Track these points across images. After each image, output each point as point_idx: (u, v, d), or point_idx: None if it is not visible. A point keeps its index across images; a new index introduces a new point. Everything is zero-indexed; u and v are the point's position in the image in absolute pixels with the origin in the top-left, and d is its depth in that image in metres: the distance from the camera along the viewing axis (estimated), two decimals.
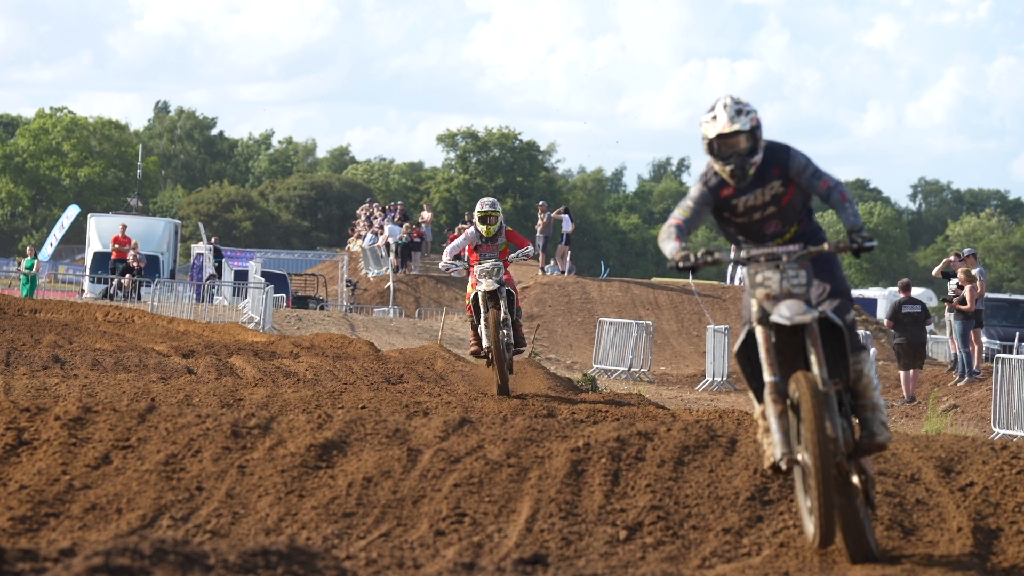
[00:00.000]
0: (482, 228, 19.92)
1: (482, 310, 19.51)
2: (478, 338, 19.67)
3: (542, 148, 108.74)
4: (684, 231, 9.40)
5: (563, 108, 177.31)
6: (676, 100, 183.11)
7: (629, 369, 34.54)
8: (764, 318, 9.09)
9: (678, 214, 9.49)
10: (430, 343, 31.46)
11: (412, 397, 17.46)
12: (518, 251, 20.09)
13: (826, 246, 9.23)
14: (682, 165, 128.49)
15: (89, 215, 61.52)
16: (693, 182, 9.58)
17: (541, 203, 50.72)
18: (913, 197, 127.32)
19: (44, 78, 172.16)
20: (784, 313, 8.99)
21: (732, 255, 9.41)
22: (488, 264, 19.66)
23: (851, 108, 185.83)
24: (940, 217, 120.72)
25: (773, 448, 9.06)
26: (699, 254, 9.22)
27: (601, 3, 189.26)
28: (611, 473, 10.38)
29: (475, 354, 19.87)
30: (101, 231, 56.13)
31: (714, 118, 9.43)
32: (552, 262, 49.38)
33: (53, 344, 24.66)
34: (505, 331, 19.46)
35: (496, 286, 19.49)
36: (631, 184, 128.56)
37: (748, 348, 9.20)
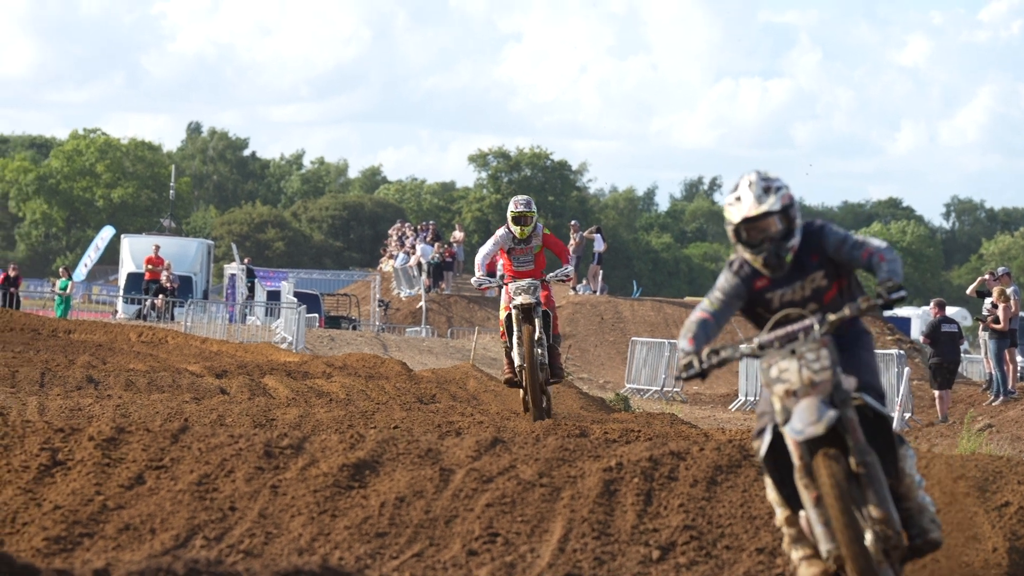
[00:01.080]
0: (515, 230, 18.50)
1: (515, 328, 18.09)
2: (512, 363, 18.26)
3: (574, 167, 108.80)
4: (709, 328, 8.33)
5: (595, 127, 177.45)
6: (708, 119, 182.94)
7: (662, 389, 34.49)
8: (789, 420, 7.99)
9: (706, 306, 8.43)
10: (462, 363, 31.47)
11: (444, 417, 17.46)
12: (556, 272, 18.63)
13: (847, 310, 8.10)
14: (714, 184, 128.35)
15: (122, 236, 61.75)
16: (722, 272, 8.53)
17: (573, 223, 50.74)
18: (947, 216, 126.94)
19: (77, 99, 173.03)
20: (796, 426, 7.89)
21: (739, 350, 8.22)
22: (524, 282, 18.10)
23: (884, 127, 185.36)
24: (974, 236, 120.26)
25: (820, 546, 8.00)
26: (704, 356, 8.16)
27: (632, 23, 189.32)
28: (644, 493, 10.36)
29: (508, 382, 18.50)
30: (134, 252, 56.32)
31: (738, 199, 8.34)
32: (584, 282, 49.37)
33: (87, 364, 24.74)
34: (540, 350, 18.00)
35: (532, 301, 18.00)
36: (663, 203, 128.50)
37: (776, 452, 8.11)
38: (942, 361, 28.46)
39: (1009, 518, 10.12)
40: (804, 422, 7.85)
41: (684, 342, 8.26)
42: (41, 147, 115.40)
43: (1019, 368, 32.08)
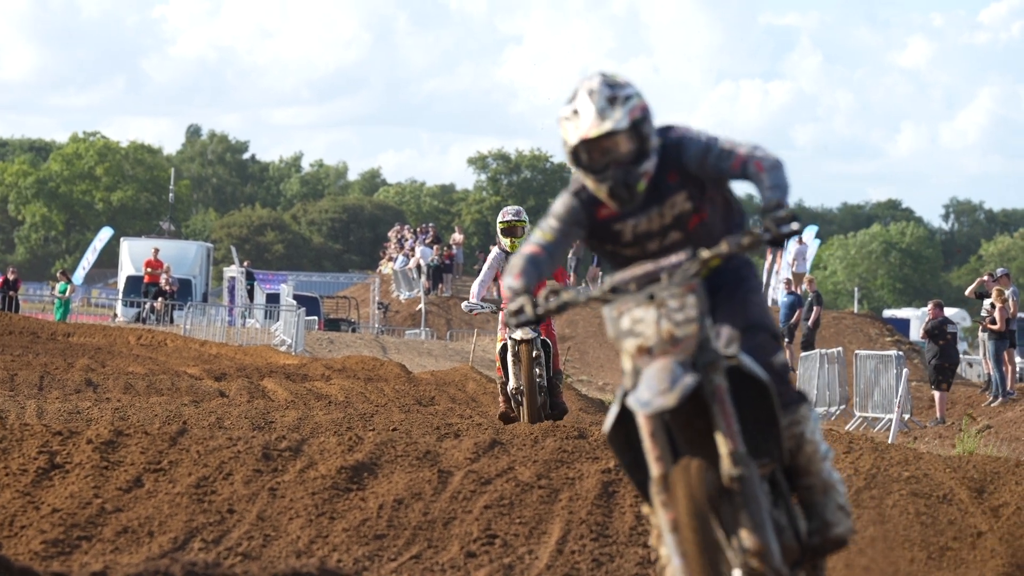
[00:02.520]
0: (506, 243, 16.61)
1: (510, 362, 16.16)
2: (508, 399, 16.42)
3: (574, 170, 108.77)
4: (541, 265, 6.71)
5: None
6: (709, 121, 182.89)
7: None
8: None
9: (537, 237, 6.79)
10: (461, 365, 31.47)
11: (443, 419, 17.46)
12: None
13: (724, 246, 6.36)
14: None
15: (121, 239, 61.79)
16: (560, 194, 6.90)
17: None
18: (946, 217, 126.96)
19: (78, 103, 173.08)
20: (642, 397, 6.20)
21: (584, 293, 6.54)
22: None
23: (884, 129, 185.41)
24: (973, 237, 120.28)
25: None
26: (541, 299, 6.50)
27: (633, 25, 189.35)
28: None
29: (504, 416, 16.51)
30: (134, 255, 56.36)
31: (575, 113, 6.63)
32: (583, 284, 49.38)
33: (86, 368, 24.74)
34: (539, 371, 16.12)
35: (532, 335, 16.03)
36: None
37: (624, 425, 6.43)
38: (943, 362, 28.50)
39: (1007, 519, 10.13)
40: (652, 390, 6.17)
41: (511, 279, 6.66)
42: (40, 150, 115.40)
43: (1018, 369, 32.11)
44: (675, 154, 6.68)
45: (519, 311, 6.53)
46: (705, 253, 6.36)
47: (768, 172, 6.54)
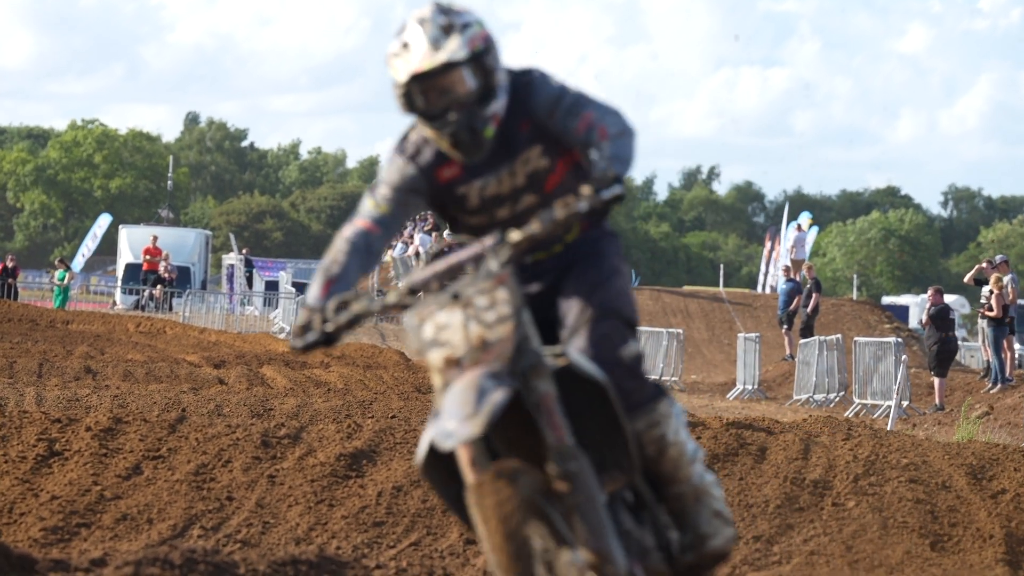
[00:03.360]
0: None
1: None
2: None
3: None
4: (374, 244, 5.67)
5: None
6: (707, 108, 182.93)
7: (660, 378, 34.49)
8: None
9: (368, 209, 5.71)
10: None
11: None
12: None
13: (535, 225, 5.20)
14: (712, 173, 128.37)
15: (120, 226, 61.79)
16: (389, 156, 5.76)
17: None
18: (944, 204, 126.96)
19: (77, 91, 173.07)
20: (445, 427, 5.10)
21: (377, 302, 5.44)
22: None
23: (883, 115, 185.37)
24: (972, 224, 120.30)
25: None
26: (331, 313, 5.38)
27: (632, 12, 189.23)
28: None
29: None
30: (132, 242, 56.37)
31: (405, 46, 5.58)
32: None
33: (85, 355, 24.74)
34: None
35: None
36: (662, 192, 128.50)
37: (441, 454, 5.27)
38: (944, 348, 28.52)
39: (1006, 505, 10.13)
40: (455, 416, 5.10)
41: (315, 288, 5.57)
42: (39, 138, 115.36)
43: (1017, 356, 32.14)
44: (524, 97, 5.65)
45: (306, 328, 5.40)
46: (515, 235, 5.22)
47: (612, 141, 5.49)
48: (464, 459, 5.18)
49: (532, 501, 5.10)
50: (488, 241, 5.25)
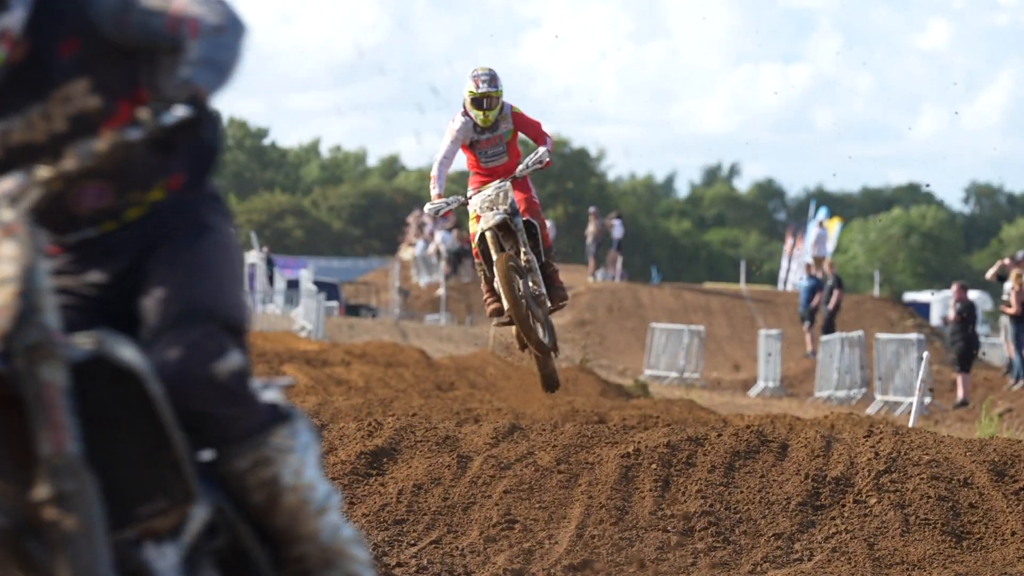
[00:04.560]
0: (477, 116, 13.66)
1: (492, 254, 13.52)
2: (494, 292, 13.76)
3: (592, 154, 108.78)
4: None
5: (614, 113, 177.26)
6: (727, 104, 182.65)
7: (681, 375, 34.46)
8: None
9: None
10: (481, 350, 31.48)
11: (463, 404, 17.47)
12: (527, 160, 13.89)
13: (71, 159, 3.87)
14: (733, 170, 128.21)
15: None
16: None
17: (592, 209, 50.69)
18: (966, 200, 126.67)
19: None
20: None
21: None
22: (489, 191, 13.51)
23: (904, 111, 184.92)
24: (994, 220, 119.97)
25: None
26: None
27: (651, 8, 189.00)
28: (661, 479, 10.36)
29: (496, 314, 13.86)
30: None
31: None
32: (603, 268, 49.34)
33: None
34: (531, 281, 13.62)
35: (504, 215, 13.45)
36: (682, 189, 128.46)
37: None
38: (967, 344, 28.48)
39: None
40: None
41: None
42: None
43: None
44: (72, 7, 4.09)
45: None
46: (43, 171, 3.87)
47: (204, 39, 4.08)
48: None
49: (8, 537, 3.82)
50: (6, 182, 3.84)
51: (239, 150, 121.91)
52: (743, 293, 47.26)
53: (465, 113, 13.70)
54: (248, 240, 73.07)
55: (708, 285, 55.45)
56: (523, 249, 13.49)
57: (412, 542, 9.63)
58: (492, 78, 13.65)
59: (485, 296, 13.97)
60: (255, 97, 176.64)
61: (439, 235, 54.30)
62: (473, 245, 13.82)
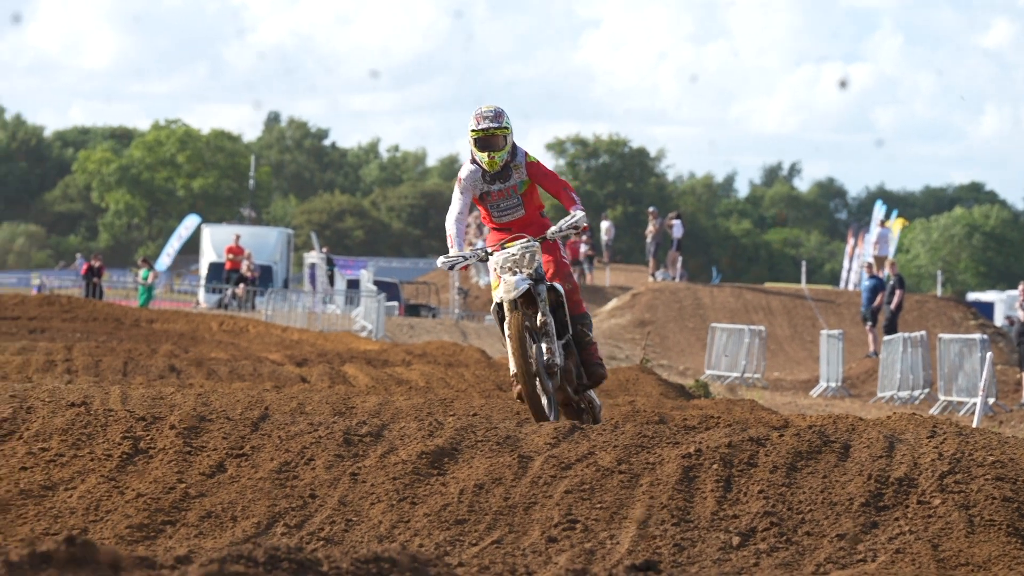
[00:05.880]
0: (482, 159, 12.13)
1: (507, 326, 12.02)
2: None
3: (652, 154, 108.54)
4: None
5: (673, 113, 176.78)
6: (788, 104, 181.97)
7: (742, 375, 34.34)
8: None
9: None
10: None
11: (523, 404, 17.44)
12: (562, 223, 12.11)
13: None
14: (794, 170, 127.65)
15: (203, 225, 62.26)
16: None
17: (651, 209, 50.58)
18: None
19: (160, 91, 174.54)
20: None
21: None
22: (515, 249, 11.94)
23: (967, 110, 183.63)
24: None
25: None
26: None
27: (712, 8, 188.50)
28: (723, 479, 10.32)
29: (522, 397, 12.39)
30: (215, 241, 56.78)
31: None
32: (663, 268, 49.24)
33: (169, 354, 24.94)
34: (547, 346, 12.01)
35: (528, 285, 11.85)
36: (742, 189, 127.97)
37: None
38: None
39: None
40: None
41: None
42: (122, 138, 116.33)
43: None
44: None
45: None
46: None
47: None
48: None
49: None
50: None
51: (299, 151, 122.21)
52: (804, 293, 47.04)
53: (473, 160, 12.28)
54: (309, 240, 73.23)
55: (769, 285, 55.23)
56: (541, 316, 11.96)
57: (473, 542, 9.63)
58: (496, 114, 12.05)
59: (512, 378, 12.30)
60: (316, 98, 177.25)
61: None
62: (492, 312, 12.32)
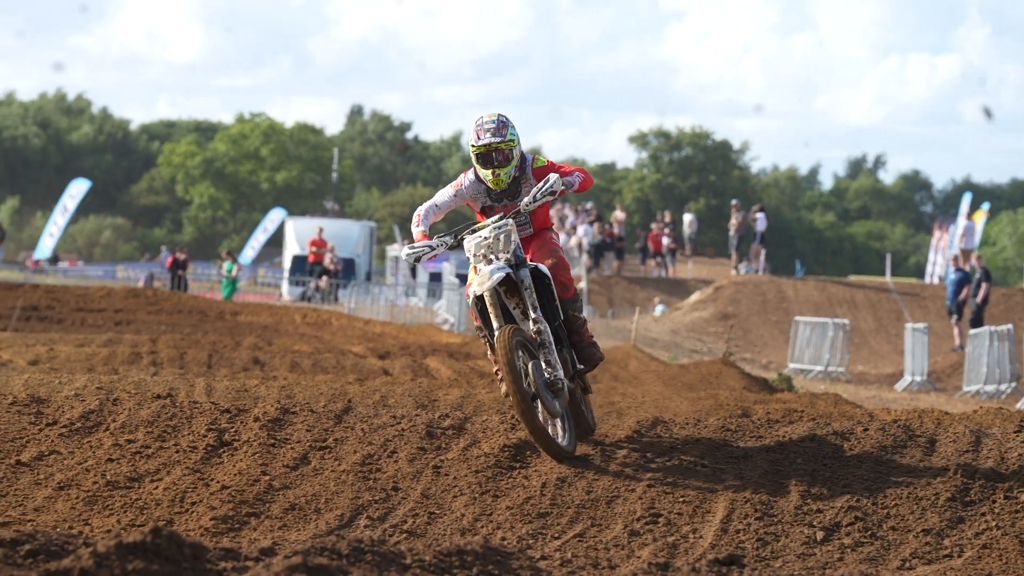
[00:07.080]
0: (487, 176, 10.73)
1: (493, 322, 10.43)
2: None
3: (735, 147, 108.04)
4: None
5: (758, 105, 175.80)
6: (874, 96, 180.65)
7: (826, 368, 34.12)
8: None
9: None
10: (624, 343, 31.41)
11: (605, 397, 17.43)
12: (535, 189, 10.58)
13: None
14: (879, 162, 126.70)
15: (287, 219, 62.58)
16: None
17: (734, 202, 50.34)
18: None
19: (243, 84, 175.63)
20: None
21: None
22: (486, 232, 10.46)
23: None
24: None
25: None
26: None
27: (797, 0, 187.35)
28: (807, 473, 10.26)
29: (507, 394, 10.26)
30: (299, 234, 57.08)
31: None
32: (746, 261, 49.01)
33: (253, 346, 25.08)
34: (543, 360, 10.37)
35: (505, 271, 10.34)
36: (827, 182, 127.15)
37: None
38: None
39: None
40: None
41: None
42: (206, 131, 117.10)
43: None
44: None
45: None
46: None
47: None
48: None
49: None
50: None
51: (381, 144, 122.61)
52: (889, 286, 46.69)
53: (475, 174, 10.82)
54: (391, 233, 73.43)
55: (853, 278, 54.85)
56: (532, 316, 10.37)
57: (556, 536, 9.63)
58: (500, 126, 10.67)
59: (495, 369, 10.64)
60: (398, 91, 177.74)
61: (581, 228, 54.26)
62: (469, 305, 10.60)
